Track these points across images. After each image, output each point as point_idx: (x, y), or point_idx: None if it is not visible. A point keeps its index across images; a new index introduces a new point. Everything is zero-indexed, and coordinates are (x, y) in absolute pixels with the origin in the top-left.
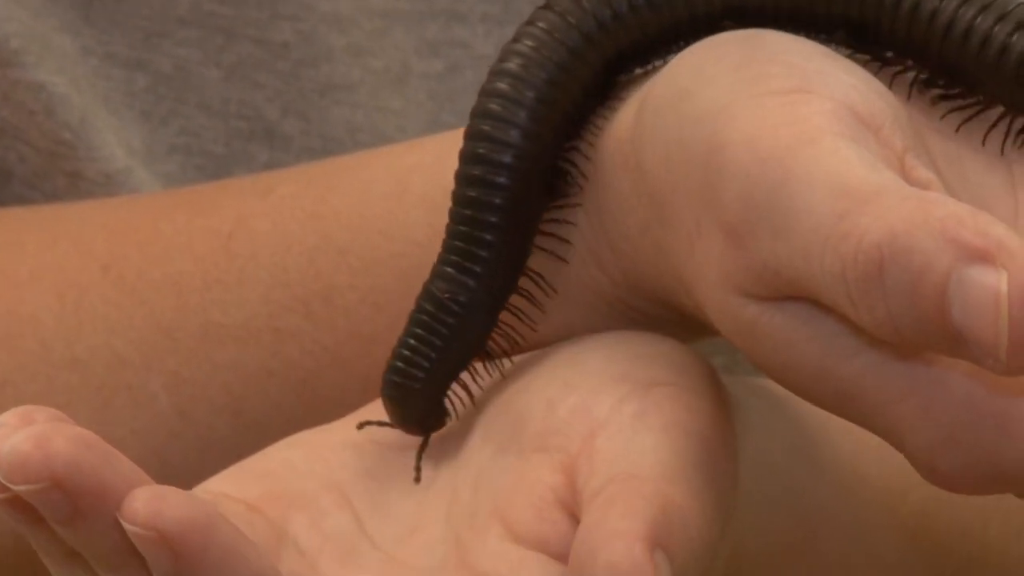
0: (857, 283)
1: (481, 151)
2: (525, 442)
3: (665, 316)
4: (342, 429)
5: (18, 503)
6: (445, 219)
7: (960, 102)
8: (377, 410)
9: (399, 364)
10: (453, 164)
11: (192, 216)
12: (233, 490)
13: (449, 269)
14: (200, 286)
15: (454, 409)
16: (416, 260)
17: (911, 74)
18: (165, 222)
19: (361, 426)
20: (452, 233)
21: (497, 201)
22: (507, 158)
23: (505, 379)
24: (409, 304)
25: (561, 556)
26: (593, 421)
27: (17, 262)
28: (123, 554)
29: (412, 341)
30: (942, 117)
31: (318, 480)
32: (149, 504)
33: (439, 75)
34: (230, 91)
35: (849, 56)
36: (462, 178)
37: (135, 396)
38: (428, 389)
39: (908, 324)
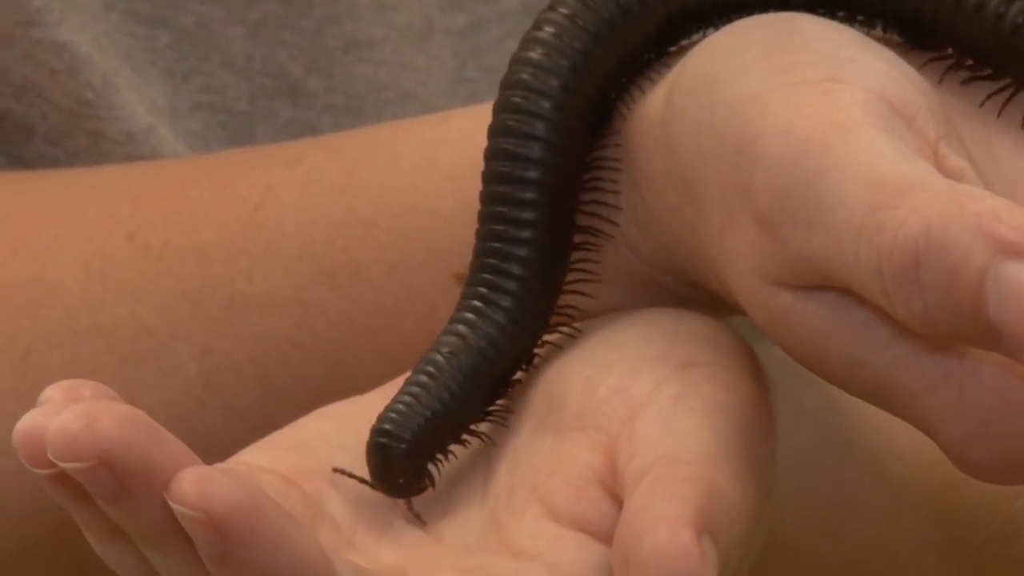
0: (892, 276)
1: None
2: (563, 422)
3: (695, 296)
4: (373, 401)
5: (64, 479)
6: (473, 193)
7: (991, 85)
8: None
9: (386, 426)
10: (482, 138)
11: (219, 185)
12: (267, 462)
13: (479, 297)
14: (226, 256)
15: (438, 475)
16: (443, 234)
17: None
18: (191, 190)
19: (336, 471)
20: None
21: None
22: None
23: (541, 359)
24: (435, 278)
25: (600, 536)
26: (632, 401)
27: (41, 229)
28: (169, 533)
29: (407, 399)
30: (981, 104)
31: (351, 453)
32: (196, 485)
33: (463, 31)
34: (254, 48)
35: (880, 39)
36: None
37: (161, 364)
38: (414, 454)
39: (943, 318)
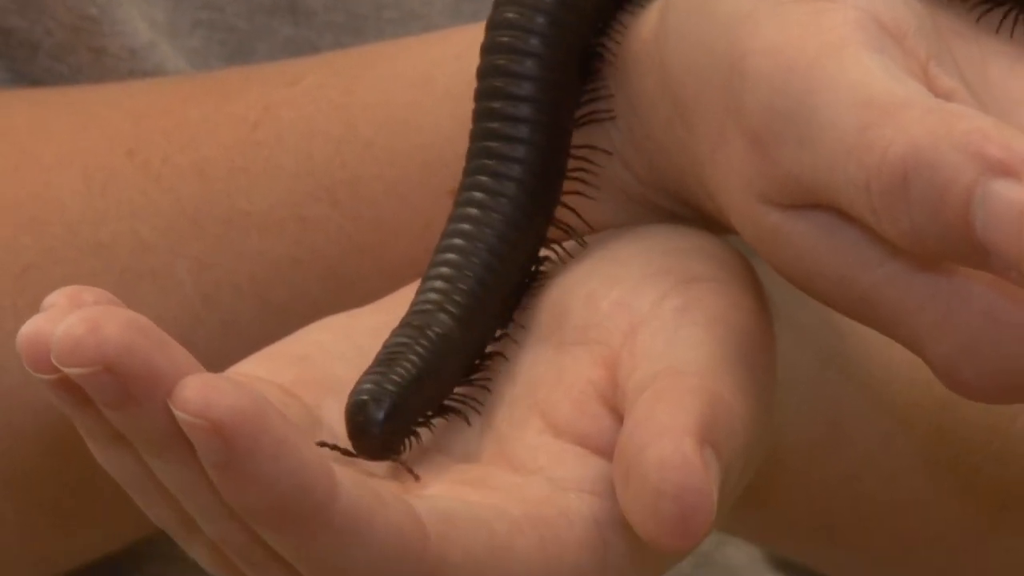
0: (881, 195)
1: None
2: (565, 336)
3: (688, 215)
4: (372, 314)
5: (67, 385)
6: (470, 110)
7: (986, 4)
8: (403, 300)
9: (365, 387)
10: (477, 55)
11: (218, 103)
12: (266, 373)
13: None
14: (225, 173)
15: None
16: (441, 151)
17: None
18: (191, 108)
19: (320, 444)
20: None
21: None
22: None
23: (541, 276)
24: (433, 195)
25: (600, 450)
26: (634, 316)
27: (43, 146)
28: (171, 440)
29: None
30: (977, 20)
31: (350, 364)
32: (200, 392)
33: None
34: None
35: None
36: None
37: (160, 281)
38: (395, 418)
39: (931, 236)
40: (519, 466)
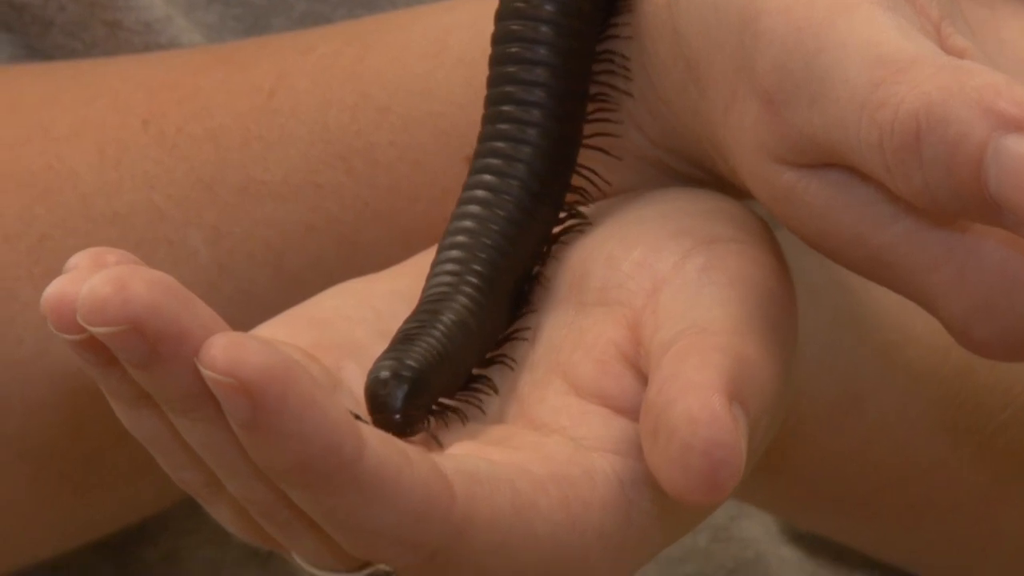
0: (894, 152)
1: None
2: (586, 297)
3: (702, 178)
4: (390, 278)
5: (92, 345)
6: (485, 78)
7: None
8: (421, 265)
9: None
10: (491, 23)
11: (232, 73)
12: (285, 337)
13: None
14: (240, 142)
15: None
16: (455, 119)
17: None
18: (205, 78)
19: None
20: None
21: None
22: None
23: (561, 241)
24: (448, 161)
25: (622, 410)
26: (657, 276)
27: (57, 117)
28: (197, 399)
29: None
30: None
31: (369, 328)
32: (227, 351)
33: None
34: None
35: None
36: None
37: (175, 250)
38: (417, 394)
39: (944, 193)
40: (541, 426)
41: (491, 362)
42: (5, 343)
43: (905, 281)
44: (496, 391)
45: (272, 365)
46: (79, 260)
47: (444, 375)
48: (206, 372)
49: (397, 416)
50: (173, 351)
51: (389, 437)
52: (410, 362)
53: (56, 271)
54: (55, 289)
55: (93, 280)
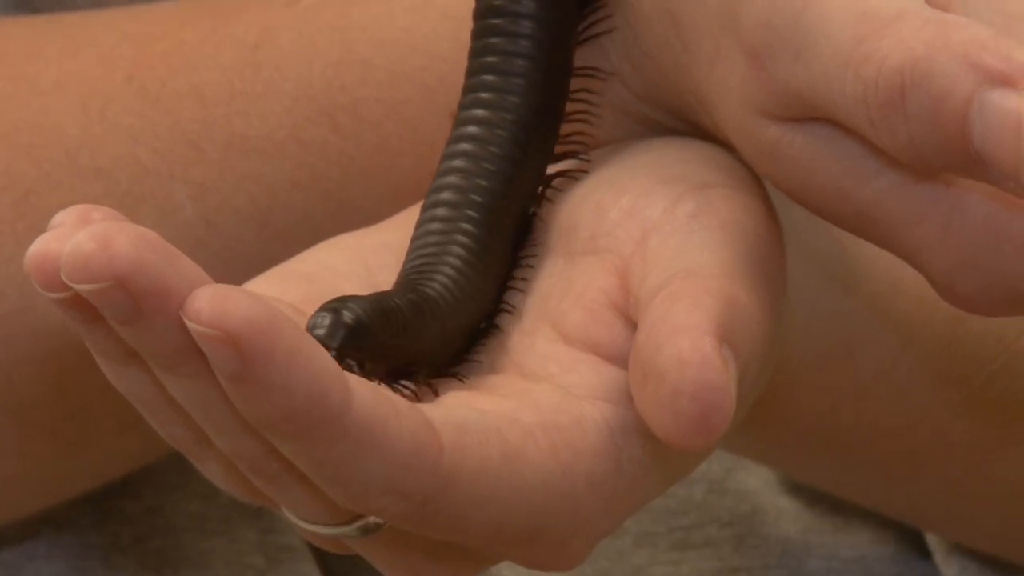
0: (879, 107)
1: None
2: (575, 246)
3: (688, 132)
4: (379, 232)
5: (77, 303)
6: (469, 32)
7: None
8: (409, 219)
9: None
10: None
11: (216, 26)
12: (274, 292)
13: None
14: (225, 97)
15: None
16: (441, 74)
17: None
18: (189, 31)
19: None
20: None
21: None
22: None
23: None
24: (435, 117)
25: (611, 358)
26: (646, 222)
27: (41, 71)
28: (184, 353)
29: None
30: None
31: (359, 282)
32: (213, 303)
33: None
34: None
35: None
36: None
37: (160, 205)
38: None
39: (929, 148)
40: (530, 374)
41: (494, 312)
42: None
43: (889, 236)
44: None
45: (258, 316)
46: (64, 217)
47: (407, 330)
48: (192, 325)
49: (332, 353)
50: (159, 306)
51: (377, 388)
52: (357, 307)
53: (40, 226)
54: (39, 247)
55: (77, 237)
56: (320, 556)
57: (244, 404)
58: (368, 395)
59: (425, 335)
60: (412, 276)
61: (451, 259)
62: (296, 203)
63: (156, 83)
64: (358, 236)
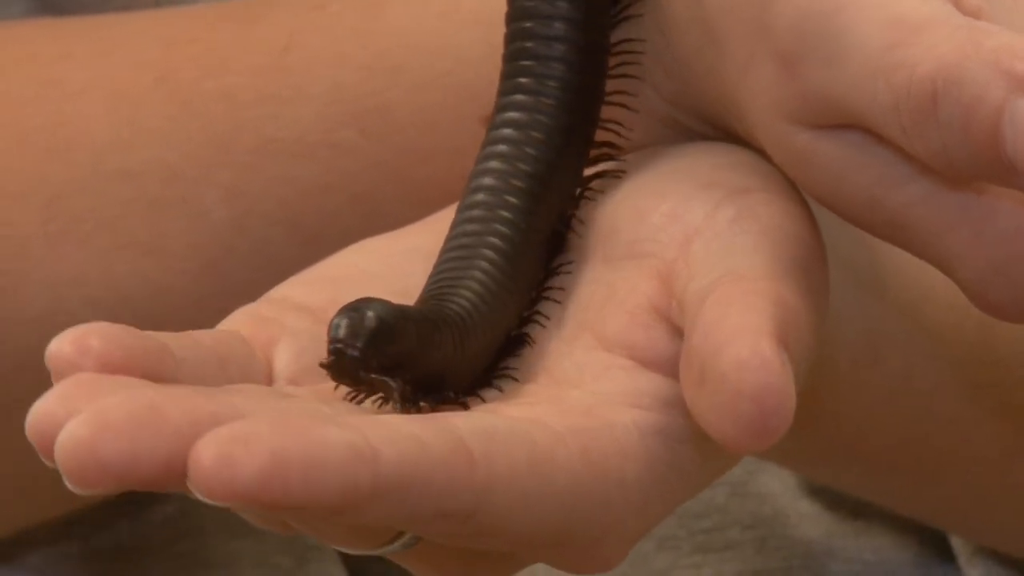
0: (910, 114)
1: None
2: (614, 252)
3: (720, 139)
4: (410, 236)
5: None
6: (499, 36)
7: None
8: (440, 223)
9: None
10: None
11: (246, 29)
12: (301, 296)
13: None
14: (254, 100)
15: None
16: (469, 77)
17: None
18: (218, 34)
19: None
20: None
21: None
22: None
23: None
24: (463, 120)
25: (648, 363)
26: (688, 227)
27: (69, 73)
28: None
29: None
30: None
31: (388, 285)
32: (218, 477)
33: None
34: None
35: None
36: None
37: (189, 209)
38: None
39: (961, 155)
40: (564, 382)
41: (526, 321)
42: (17, 302)
43: (921, 243)
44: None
45: (260, 468)
46: (62, 347)
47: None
48: (210, 503)
49: (355, 352)
50: (163, 481)
51: (396, 429)
52: (380, 309)
53: (68, 229)
54: (35, 420)
55: (65, 440)
56: (346, 556)
57: (277, 520)
58: (390, 448)
59: (447, 348)
60: (440, 285)
61: (478, 273)
62: (326, 206)
63: (186, 86)
64: (388, 239)
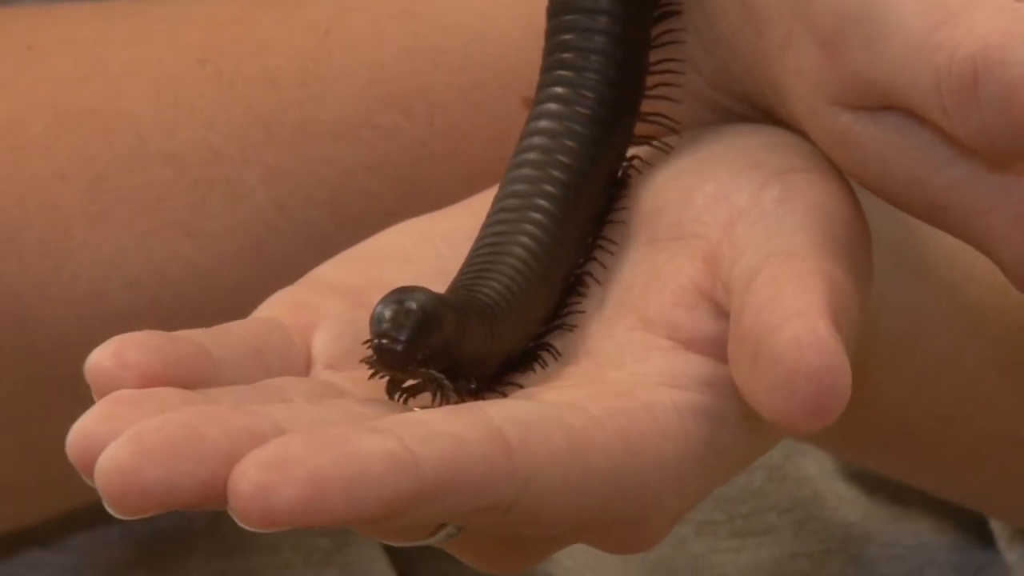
0: (951, 95)
1: None
2: (658, 233)
3: (760, 120)
4: (450, 217)
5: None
6: (541, 17)
7: None
8: (481, 204)
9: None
10: None
11: (288, 11)
12: (340, 277)
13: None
14: (297, 81)
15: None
16: (512, 59)
17: None
18: (261, 16)
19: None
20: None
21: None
22: None
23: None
24: (506, 102)
25: (689, 344)
26: (733, 208)
27: (113, 55)
28: None
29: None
30: None
31: (425, 266)
32: (256, 507)
33: None
34: None
35: None
36: None
37: (232, 190)
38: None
39: (1002, 136)
40: (604, 364)
41: (568, 304)
42: (60, 281)
43: (961, 224)
44: (558, 354)
45: (299, 493)
46: (101, 359)
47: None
48: (251, 529)
49: (399, 347)
50: (203, 503)
51: (432, 427)
52: (423, 298)
53: (111, 211)
54: (76, 440)
55: (105, 464)
56: None
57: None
58: (427, 448)
59: (480, 336)
60: (475, 270)
61: (512, 260)
62: (368, 187)
63: (228, 68)
64: (428, 220)
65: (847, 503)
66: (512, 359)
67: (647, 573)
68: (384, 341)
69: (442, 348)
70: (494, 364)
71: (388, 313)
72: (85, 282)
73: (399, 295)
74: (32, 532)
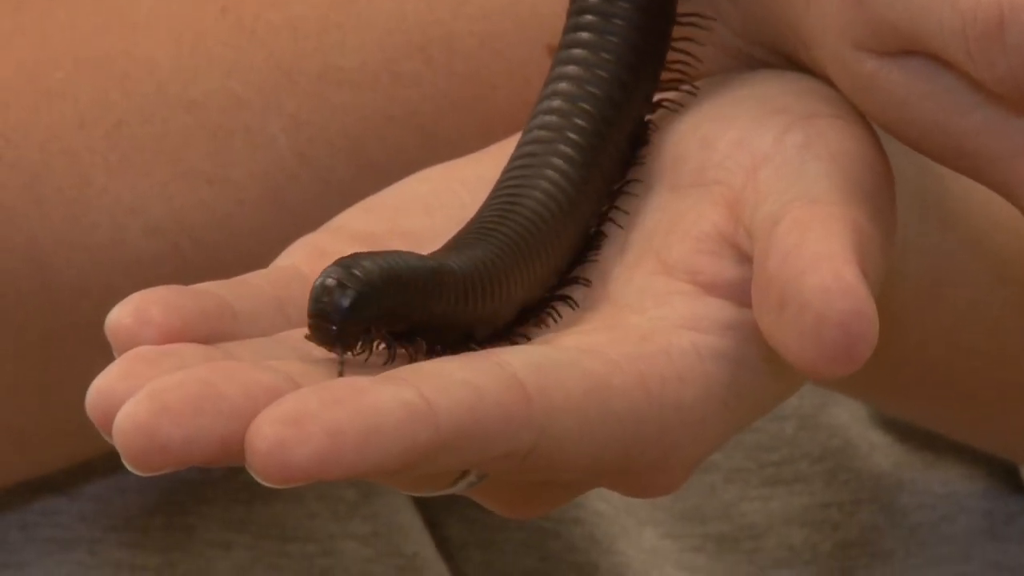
0: (977, 39)
1: None
2: (681, 179)
3: (785, 67)
4: (473, 164)
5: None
6: None
7: None
8: (503, 151)
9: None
10: None
11: None
12: (361, 224)
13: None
14: (318, 29)
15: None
16: (535, 6)
17: None
18: None
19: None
20: None
21: None
22: None
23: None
24: (528, 49)
25: (710, 288)
26: (756, 154)
27: (133, 4)
28: None
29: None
30: None
31: (448, 213)
32: (274, 464)
33: None
34: None
35: None
36: None
37: (253, 138)
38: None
39: None
40: (624, 308)
41: (588, 250)
42: (80, 228)
43: (986, 170)
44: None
45: (316, 449)
46: (121, 317)
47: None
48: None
49: (333, 327)
50: (222, 459)
51: (448, 377)
52: (358, 271)
53: (131, 158)
54: (95, 397)
55: (125, 423)
56: None
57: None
58: (444, 398)
59: (454, 298)
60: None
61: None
62: (389, 136)
63: (249, 16)
64: (449, 168)
65: (879, 451)
66: (531, 306)
67: (676, 519)
68: (318, 320)
69: (390, 316)
70: (499, 317)
71: (322, 290)
72: (105, 229)
73: (336, 270)
74: (48, 479)
